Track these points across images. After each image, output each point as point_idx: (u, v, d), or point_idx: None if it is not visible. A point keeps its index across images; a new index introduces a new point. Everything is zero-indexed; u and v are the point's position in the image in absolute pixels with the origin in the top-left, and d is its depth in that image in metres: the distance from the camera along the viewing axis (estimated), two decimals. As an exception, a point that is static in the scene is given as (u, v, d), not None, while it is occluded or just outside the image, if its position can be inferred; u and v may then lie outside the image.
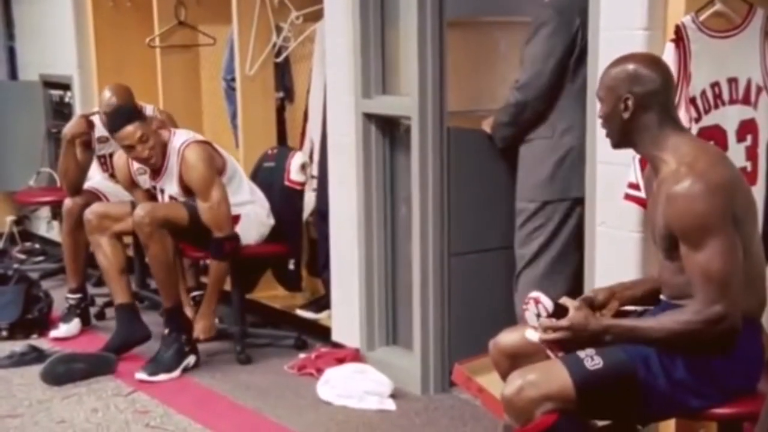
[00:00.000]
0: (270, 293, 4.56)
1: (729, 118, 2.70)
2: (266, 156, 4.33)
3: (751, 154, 2.74)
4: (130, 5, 5.30)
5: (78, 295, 4.44)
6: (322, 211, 4.12)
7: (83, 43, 5.48)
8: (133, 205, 3.97)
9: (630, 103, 2.22)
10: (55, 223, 5.64)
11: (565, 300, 2.27)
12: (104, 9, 5.34)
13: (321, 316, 4.28)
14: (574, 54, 3.26)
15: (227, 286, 4.14)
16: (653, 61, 2.31)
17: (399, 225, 3.75)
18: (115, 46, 5.32)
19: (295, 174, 4.16)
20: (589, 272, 2.93)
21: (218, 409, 3.54)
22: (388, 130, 3.72)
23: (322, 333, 4.15)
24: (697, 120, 2.63)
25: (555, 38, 3.25)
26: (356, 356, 3.81)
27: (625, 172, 2.64)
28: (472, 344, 2.98)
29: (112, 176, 4.54)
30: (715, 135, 2.64)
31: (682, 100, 2.58)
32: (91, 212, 4.09)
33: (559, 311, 2.23)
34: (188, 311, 4.03)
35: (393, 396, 3.51)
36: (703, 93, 2.64)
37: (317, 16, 4.16)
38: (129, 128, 3.70)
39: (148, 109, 4.45)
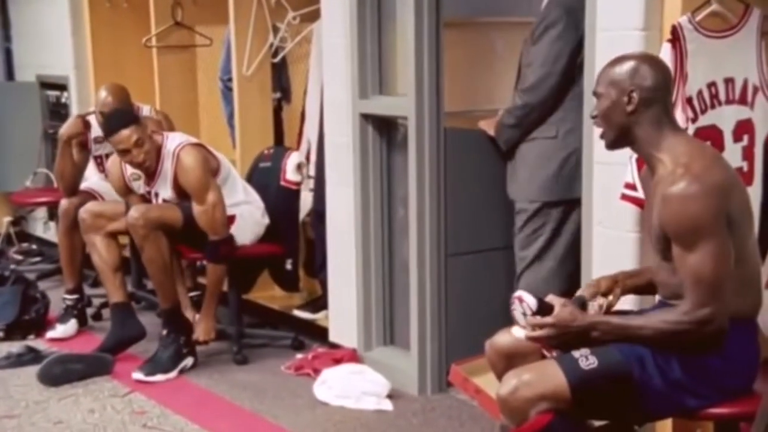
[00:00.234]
0: (267, 294, 4.56)
1: (725, 118, 2.70)
2: (262, 156, 4.33)
3: (748, 154, 2.75)
4: (127, 6, 5.29)
5: (75, 296, 4.44)
6: (319, 212, 4.12)
7: (80, 44, 5.48)
8: (128, 204, 3.96)
9: (635, 95, 2.22)
10: (52, 224, 5.63)
11: (551, 298, 2.27)
12: (101, 9, 5.34)
13: (318, 317, 4.27)
14: (580, 55, 3.25)
15: (224, 287, 4.14)
16: (655, 60, 2.32)
17: (396, 225, 3.75)
18: (112, 46, 5.31)
19: (291, 174, 4.16)
20: (585, 273, 2.93)
21: (215, 409, 3.54)
22: (385, 131, 3.73)
23: (320, 333, 4.14)
24: (694, 120, 2.63)
25: (563, 39, 3.24)
26: (353, 356, 3.81)
27: (622, 173, 2.65)
28: (470, 345, 2.99)
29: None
30: (711, 135, 2.65)
31: (678, 100, 2.58)
32: (86, 211, 4.09)
33: (545, 309, 2.23)
34: (188, 312, 4.02)
35: (390, 396, 3.51)
36: (700, 93, 2.64)
37: (314, 16, 4.16)
38: (125, 132, 3.68)
39: (145, 110, 4.45)
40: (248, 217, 4.00)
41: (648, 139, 2.24)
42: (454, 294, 3.58)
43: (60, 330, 4.35)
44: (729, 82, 2.70)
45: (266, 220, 4.08)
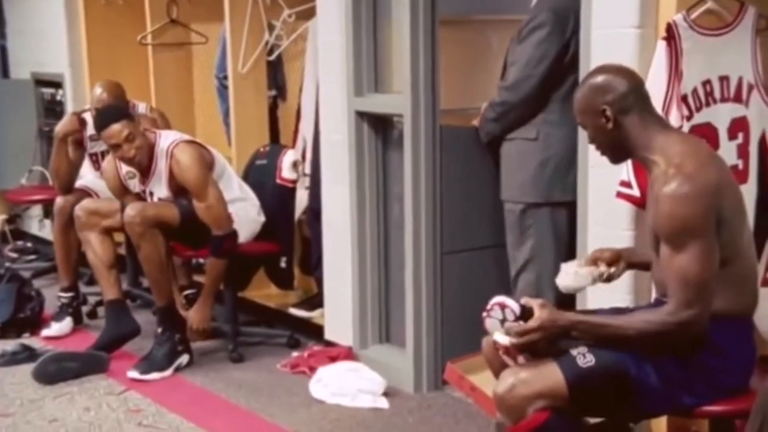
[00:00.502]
0: (263, 292, 4.56)
1: (720, 116, 2.70)
2: (258, 154, 4.33)
3: (743, 151, 2.75)
4: (122, 3, 5.28)
5: (70, 294, 4.43)
6: (314, 210, 4.12)
7: (75, 41, 5.47)
8: (123, 202, 3.95)
9: (608, 112, 2.24)
10: (47, 222, 5.63)
11: (527, 300, 2.25)
12: (96, 7, 5.33)
13: (314, 315, 4.27)
14: (565, 59, 3.26)
15: (221, 285, 4.14)
16: (614, 69, 2.32)
17: (392, 223, 3.75)
18: (107, 44, 5.31)
19: (286, 172, 4.15)
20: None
21: (211, 407, 3.54)
22: (381, 128, 3.72)
23: (315, 331, 4.14)
24: (689, 118, 2.63)
25: (548, 42, 3.25)
26: (349, 354, 3.81)
27: (617, 172, 2.65)
28: (465, 342, 2.99)
29: (104, 174, 4.55)
30: (706, 133, 2.65)
31: (673, 98, 2.58)
32: (80, 208, 4.08)
33: (526, 313, 2.22)
34: (181, 310, 4.02)
35: (386, 394, 3.51)
36: (695, 91, 2.65)
37: (310, 14, 4.16)
38: (116, 127, 3.68)
39: (141, 107, 4.45)
40: (243, 215, 3.99)
41: (638, 144, 2.25)
42: (449, 292, 3.58)
43: (55, 328, 4.34)
44: (724, 80, 2.70)
45: (262, 218, 4.08)
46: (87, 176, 4.57)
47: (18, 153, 5.83)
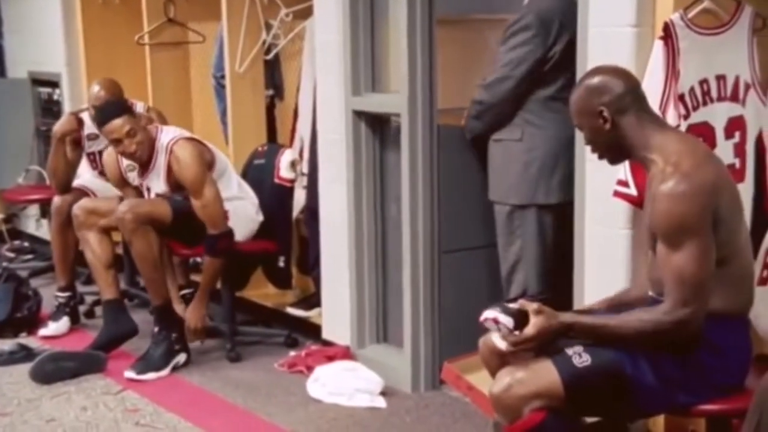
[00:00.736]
0: (261, 291, 4.56)
1: (717, 115, 2.71)
2: (257, 153, 4.33)
3: (740, 150, 2.75)
4: (119, 2, 5.27)
5: (67, 294, 4.43)
6: (312, 209, 4.11)
7: (72, 41, 5.46)
8: (121, 200, 3.95)
9: (606, 113, 2.24)
10: (44, 221, 5.62)
11: (522, 303, 2.25)
12: (93, 6, 5.32)
13: (311, 314, 4.27)
14: (548, 63, 3.27)
15: (219, 284, 4.14)
16: (610, 69, 2.33)
17: (389, 222, 3.75)
18: (104, 43, 5.30)
19: (284, 171, 4.16)
20: (578, 269, 2.94)
21: (208, 407, 3.54)
22: (378, 128, 3.72)
23: (313, 331, 4.14)
24: (686, 117, 2.63)
25: (530, 46, 3.25)
26: (347, 354, 3.81)
27: (614, 171, 2.65)
28: (463, 342, 2.98)
29: (102, 174, 4.52)
30: (703, 132, 2.65)
31: (670, 97, 2.59)
32: (79, 207, 4.08)
33: (520, 318, 2.21)
34: (179, 309, 4.01)
35: (383, 393, 3.51)
36: (692, 90, 2.65)
37: (307, 13, 4.16)
38: (117, 122, 3.69)
39: (139, 107, 4.44)
40: (241, 213, 3.99)
41: (636, 143, 2.25)
42: (447, 291, 3.58)
43: (52, 327, 4.33)
44: (721, 79, 2.71)
45: (260, 217, 4.08)
46: (84, 175, 4.56)
47: (15, 152, 5.82)
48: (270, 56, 4.56)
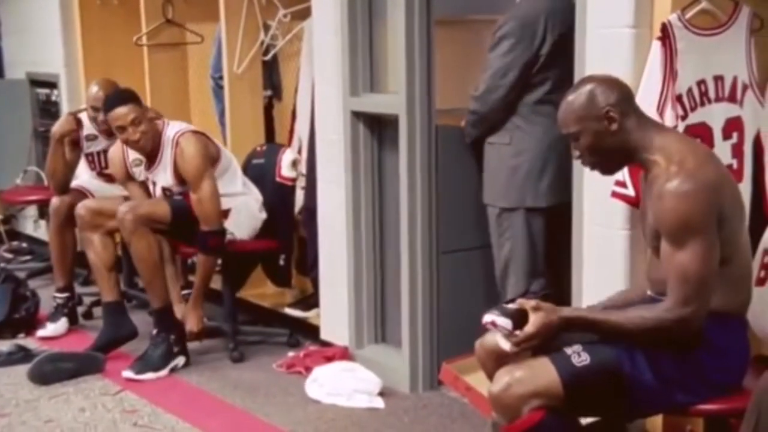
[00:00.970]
0: (258, 291, 4.56)
1: (715, 115, 2.71)
2: (255, 153, 4.34)
3: (737, 151, 2.76)
4: (117, 3, 5.27)
5: (65, 294, 4.42)
6: (310, 209, 4.12)
7: (70, 42, 5.46)
8: (126, 200, 3.96)
9: (612, 113, 2.24)
10: (42, 222, 5.62)
11: (521, 303, 2.25)
12: (91, 7, 5.32)
13: (310, 315, 4.27)
14: (535, 67, 3.28)
15: (218, 285, 4.13)
16: (603, 77, 2.33)
17: (387, 223, 3.75)
18: (102, 44, 5.30)
19: (286, 170, 4.17)
20: (576, 270, 2.94)
21: (207, 407, 3.54)
22: (377, 128, 3.72)
23: (311, 331, 4.14)
24: (684, 117, 2.64)
25: (515, 52, 3.26)
26: (345, 354, 3.81)
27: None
28: (461, 342, 2.99)
29: (100, 174, 4.54)
30: (701, 132, 2.66)
31: (668, 98, 2.59)
32: (84, 208, 4.07)
33: (519, 317, 2.21)
34: (180, 309, 3.98)
35: (382, 394, 3.51)
36: (690, 91, 2.65)
37: (305, 14, 4.16)
38: (122, 109, 3.71)
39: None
40: (245, 210, 4.00)
41: (639, 145, 2.25)
42: (445, 292, 3.58)
43: (50, 328, 4.33)
44: (718, 79, 2.71)
45: (263, 215, 4.10)
46: (82, 176, 4.56)
47: (13, 153, 5.82)
48: (268, 57, 4.56)
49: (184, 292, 4.31)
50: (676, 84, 2.61)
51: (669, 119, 2.56)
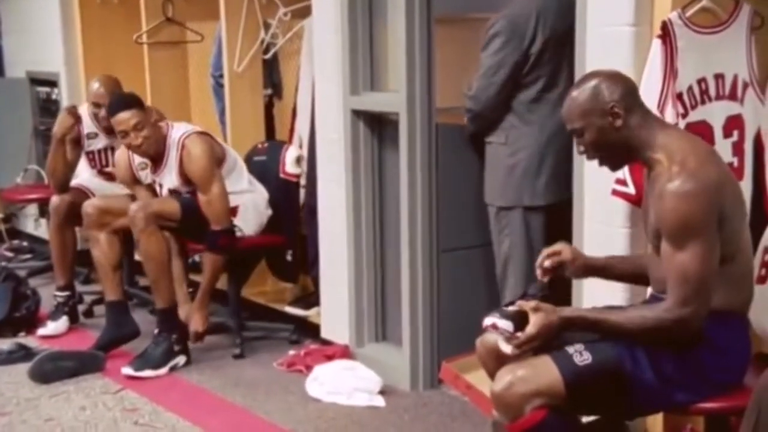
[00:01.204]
0: (258, 289, 4.56)
1: (715, 113, 2.71)
2: (256, 150, 4.35)
3: (738, 149, 2.76)
4: (117, 1, 5.27)
5: (66, 293, 4.42)
6: (311, 207, 4.12)
7: (70, 40, 5.46)
8: (133, 199, 3.96)
9: (617, 109, 2.23)
10: (43, 221, 5.61)
11: (520, 304, 2.25)
12: (91, 5, 5.32)
13: (310, 313, 4.27)
14: (527, 65, 3.28)
15: (220, 284, 4.13)
16: (608, 72, 2.32)
17: (388, 221, 3.75)
18: (103, 42, 5.29)
19: (290, 166, 4.19)
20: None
21: (207, 406, 3.54)
22: (377, 127, 3.72)
23: (312, 330, 4.14)
24: (684, 115, 2.64)
25: (505, 51, 3.27)
26: (345, 353, 3.81)
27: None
28: (462, 340, 2.99)
29: (100, 173, 4.54)
30: (701, 130, 2.65)
31: (669, 96, 2.59)
32: (92, 206, 4.06)
33: (519, 319, 2.21)
34: (185, 309, 3.98)
35: (382, 392, 3.52)
36: (690, 89, 2.65)
37: (305, 12, 4.16)
38: (125, 114, 3.71)
39: (138, 106, 4.44)
40: (251, 207, 4.02)
41: (643, 142, 2.25)
42: (446, 290, 3.58)
43: (51, 327, 4.33)
44: (719, 77, 2.71)
45: (269, 211, 4.11)
46: (82, 174, 4.56)
47: (13, 152, 5.82)
48: (268, 55, 4.56)
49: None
50: (677, 82, 2.61)
51: (669, 117, 2.56)
